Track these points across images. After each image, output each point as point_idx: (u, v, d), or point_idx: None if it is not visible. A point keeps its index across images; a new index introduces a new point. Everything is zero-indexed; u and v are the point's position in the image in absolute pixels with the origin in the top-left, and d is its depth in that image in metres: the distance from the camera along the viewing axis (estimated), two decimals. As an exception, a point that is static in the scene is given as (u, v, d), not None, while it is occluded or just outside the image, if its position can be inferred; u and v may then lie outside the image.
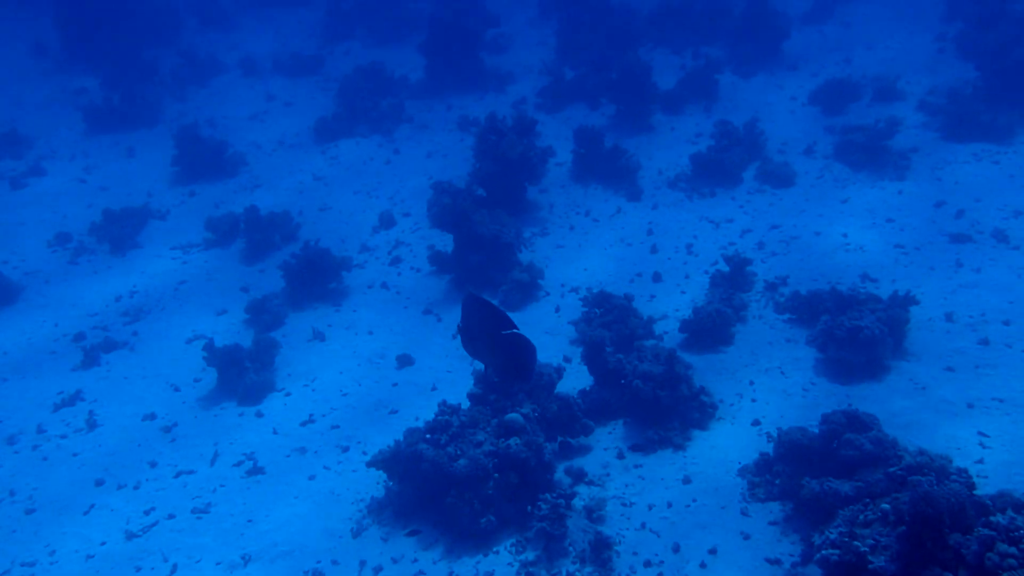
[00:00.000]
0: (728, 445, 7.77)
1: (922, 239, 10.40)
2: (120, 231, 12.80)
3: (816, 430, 7.09)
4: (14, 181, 14.97)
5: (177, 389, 9.62)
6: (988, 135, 12.33)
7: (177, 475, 8.24)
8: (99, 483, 8.18)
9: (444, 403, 7.88)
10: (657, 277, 10.67)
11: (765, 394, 8.34)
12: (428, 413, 8.56)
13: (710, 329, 9.26)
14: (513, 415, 7.71)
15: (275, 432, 8.79)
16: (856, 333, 8.25)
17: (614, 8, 18.58)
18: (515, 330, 6.30)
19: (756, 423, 7.95)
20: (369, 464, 7.69)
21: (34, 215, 13.86)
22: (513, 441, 7.48)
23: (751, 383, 8.54)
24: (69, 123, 17.27)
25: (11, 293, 11.62)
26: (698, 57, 17.37)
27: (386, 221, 12.81)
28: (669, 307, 10.07)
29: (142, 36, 21.27)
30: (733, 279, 10.04)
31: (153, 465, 8.40)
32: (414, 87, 17.66)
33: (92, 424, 9.08)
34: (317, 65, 19.62)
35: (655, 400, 8.03)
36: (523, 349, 6.48)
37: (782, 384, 8.44)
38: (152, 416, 9.17)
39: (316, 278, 11.11)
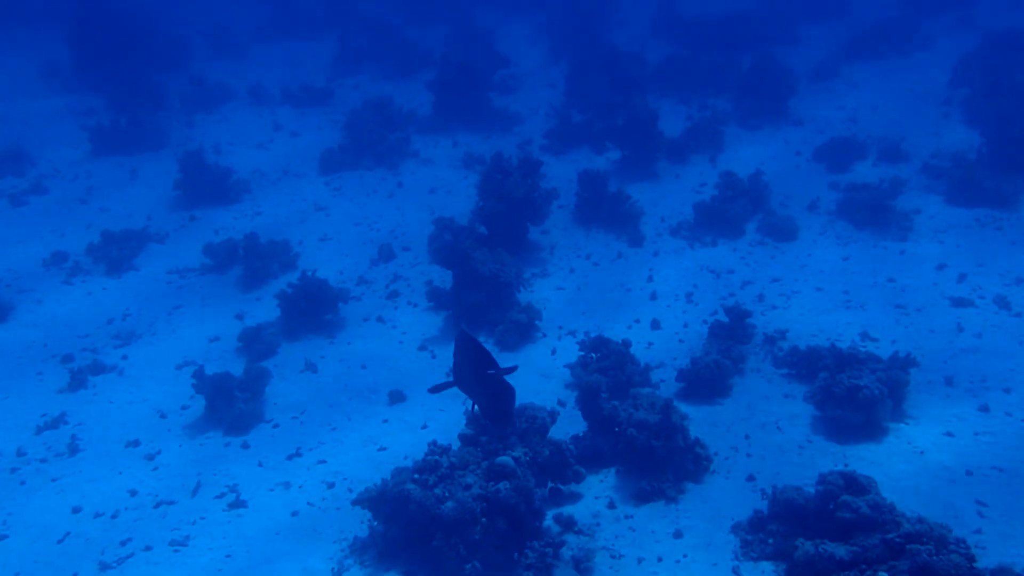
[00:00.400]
0: (722, 500, 7.60)
1: (923, 301, 10.35)
2: (118, 253, 12.72)
3: (812, 490, 6.94)
4: (14, 198, 14.94)
5: (163, 416, 9.45)
6: (992, 201, 12.37)
7: (157, 505, 8.03)
8: (76, 510, 7.96)
9: (434, 443, 7.71)
10: (656, 324, 10.58)
11: (761, 449, 8.19)
12: (418, 451, 8.41)
13: (708, 380, 9.14)
14: (504, 458, 7.54)
15: (260, 465, 8.60)
16: (855, 392, 8.15)
17: (623, 56, 18.83)
18: (499, 371, 6.23)
19: (751, 478, 7.79)
20: (354, 502, 7.50)
21: (32, 233, 13.79)
22: (503, 485, 7.31)
23: (747, 437, 8.39)
24: (74, 143, 17.30)
25: (3, 311, 11.49)
26: (705, 108, 17.56)
27: (385, 254, 12.76)
28: (667, 355, 9.97)
29: (154, 60, 21.54)
30: (732, 330, 9.95)
31: (133, 494, 8.19)
32: (421, 122, 17.76)
33: (74, 449, 8.88)
34: (326, 97, 19.77)
35: (649, 450, 7.89)
36: (501, 395, 6.38)
37: (779, 440, 8.30)
38: (136, 443, 8.98)
39: (312, 309, 11.01)
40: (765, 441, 8.29)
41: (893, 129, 15.43)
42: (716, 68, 18.67)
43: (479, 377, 6.23)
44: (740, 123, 16.59)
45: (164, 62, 22.03)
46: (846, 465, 7.73)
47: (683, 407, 8.46)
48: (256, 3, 28.91)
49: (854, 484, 6.61)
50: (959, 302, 10.19)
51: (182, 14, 26.79)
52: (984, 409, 8.24)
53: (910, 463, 7.65)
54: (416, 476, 7.50)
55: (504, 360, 9.94)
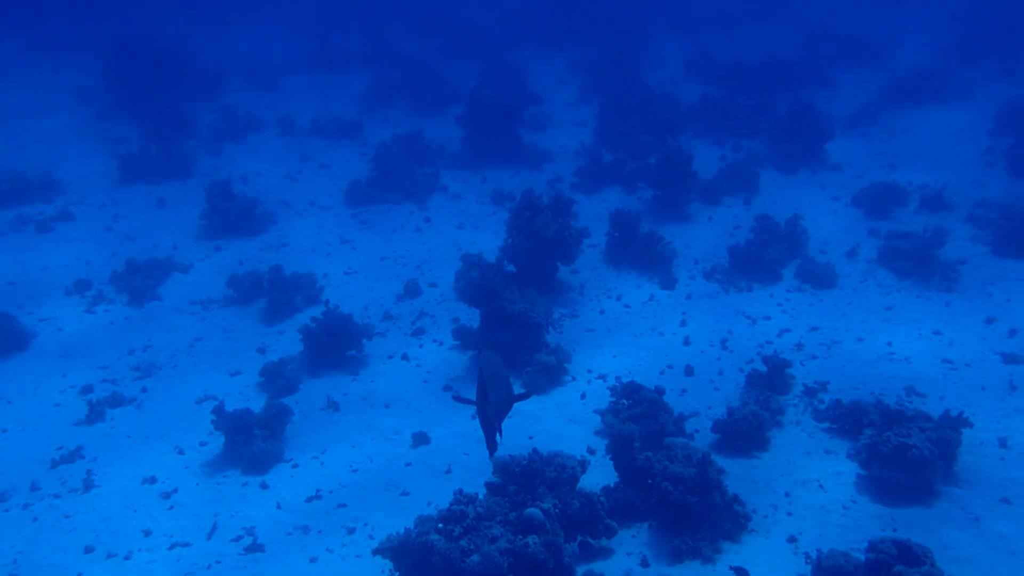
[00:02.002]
0: (761, 562, 7.18)
1: (972, 356, 9.91)
2: (141, 282, 12.59)
3: (861, 556, 6.51)
4: (41, 225, 14.91)
5: (181, 452, 9.19)
6: (1042, 253, 11.97)
7: (172, 547, 7.74)
8: (88, 550, 7.69)
9: (460, 491, 7.38)
10: (689, 371, 10.22)
11: (802, 509, 7.77)
12: (441, 498, 8.12)
13: (745, 432, 8.74)
14: (533, 510, 7.20)
15: (279, 507, 8.29)
16: (904, 451, 7.73)
17: (656, 95, 18.68)
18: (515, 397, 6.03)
19: (792, 540, 7.37)
20: (375, 551, 7.17)
21: (56, 260, 13.71)
22: (531, 540, 6.96)
23: (787, 495, 7.98)
24: (104, 171, 17.34)
25: (24, 339, 11.35)
26: (739, 149, 17.32)
27: (411, 290, 12.52)
28: (701, 404, 9.59)
29: (186, 91, 21.70)
30: (771, 380, 9.57)
31: (147, 534, 7.91)
32: (450, 157, 17.66)
33: (88, 485, 8.63)
34: (355, 130, 19.76)
35: (685, 506, 7.49)
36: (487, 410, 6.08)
37: (820, 499, 7.87)
38: (152, 480, 8.71)
39: (336, 344, 10.77)
40: (807, 500, 7.87)
41: (934, 176, 15.08)
42: (751, 110, 18.46)
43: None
44: (776, 166, 16.30)
45: (196, 92, 22.22)
46: (895, 530, 7.30)
47: (719, 460, 8.05)
48: (292, 37, 29.30)
49: (908, 554, 6.18)
50: (1011, 358, 9.75)
51: (215, 46, 27.11)
52: (1043, 474, 7.78)
53: (964, 531, 7.19)
54: (440, 526, 7.17)
55: (535, 403, 9.62)
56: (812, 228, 13.25)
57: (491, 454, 6.17)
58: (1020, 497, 7.51)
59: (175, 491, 8.56)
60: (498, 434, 6.17)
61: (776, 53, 22.40)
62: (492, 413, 5.99)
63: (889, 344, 10.35)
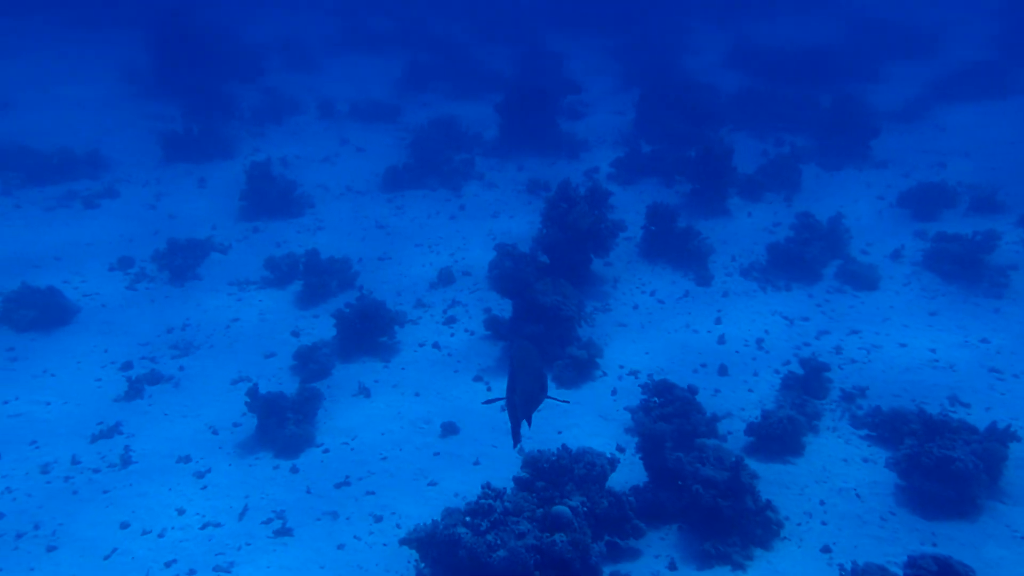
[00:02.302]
0: (793, 571, 7.07)
1: (1022, 366, 9.61)
2: (182, 261, 12.72)
3: (899, 571, 6.36)
4: (88, 201, 15.13)
5: (215, 432, 9.29)
6: (1097, 261, 11.56)
7: (204, 526, 7.83)
8: (124, 526, 7.81)
9: (488, 485, 7.37)
10: (723, 370, 10.07)
11: (837, 518, 7.62)
12: (469, 489, 8.12)
13: (779, 436, 8.59)
14: (561, 508, 7.16)
15: (308, 491, 8.35)
16: (946, 464, 7.53)
17: (697, 87, 18.37)
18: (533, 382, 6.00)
19: (826, 550, 7.23)
20: (402, 541, 7.18)
21: (102, 237, 13.91)
22: (559, 537, 6.93)
23: (822, 503, 7.83)
24: (148, 149, 17.53)
25: (68, 314, 11.54)
26: (781, 144, 16.99)
27: (445, 278, 12.50)
28: (734, 405, 9.45)
29: (228, 71, 21.85)
30: (807, 384, 9.39)
31: (181, 512, 8.01)
32: (487, 144, 17.57)
33: (126, 460, 8.77)
34: (394, 113, 19.76)
35: (716, 510, 7.39)
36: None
37: (857, 509, 7.71)
38: (187, 459, 8.82)
39: (368, 330, 10.79)
40: (843, 509, 7.71)
41: (986, 177, 14.62)
42: (794, 103, 18.07)
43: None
44: (819, 162, 15.95)
45: (238, 73, 22.36)
46: (934, 544, 7.14)
47: (751, 463, 7.93)
48: (329, 18, 29.35)
49: (949, 571, 6.03)
50: (1062, 369, 9.46)
51: (257, 28, 27.24)
52: (1091, 493, 7.53)
53: (1008, 549, 7.00)
54: (467, 519, 7.17)
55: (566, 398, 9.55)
56: (855, 227, 12.96)
57: (515, 445, 6.15)
58: (1066, 516, 7.28)
59: (208, 471, 8.66)
60: (526, 425, 6.14)
61: (820, 43, 21.92)
62: (518, 404, 5.96)
63: (933, 351, 10.10)
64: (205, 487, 8.43)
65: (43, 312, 11.37)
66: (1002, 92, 19.55)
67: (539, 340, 10.34)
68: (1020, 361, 9.75)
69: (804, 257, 12.01)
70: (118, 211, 14.96)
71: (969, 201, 13.81)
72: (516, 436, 6.06)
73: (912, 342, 10.31)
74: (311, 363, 10.40)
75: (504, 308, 11.21)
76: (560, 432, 9.06)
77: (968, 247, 11.70)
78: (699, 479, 7.53)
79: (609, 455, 8.01)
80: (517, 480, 7.51)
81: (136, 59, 22.71)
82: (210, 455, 8.93)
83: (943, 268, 11.75)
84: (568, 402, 8.89)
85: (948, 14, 25.54)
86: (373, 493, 8.31)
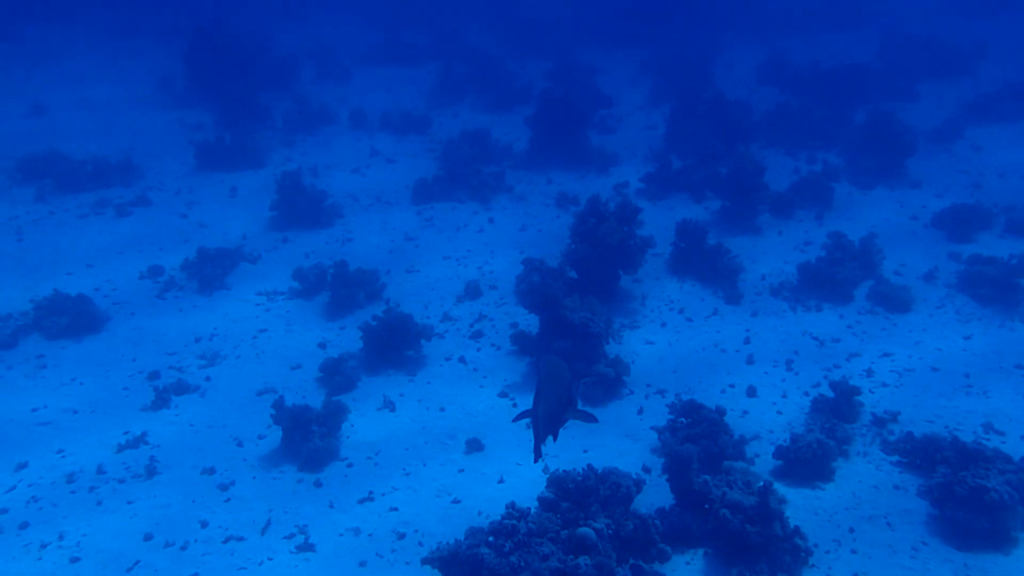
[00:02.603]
0: (821, 601, 6.92)
1: (1058, 393, 9.39)
2: (211, 271, 12.84)
3: (930, 606, 6.20)
4: (120, 208, 15.36)
5: (240, 444, 9.34)
6: None
7: (226, 540, 7.86)
8: (147, 538, 7.86)
9: (512, 505, 7.32)
10: (751, 391, 9.93)
11: (867, 547, 7.46)
12: (493, 508, 8.08)
13: (809, 460, 8.44)
14: (586, 529, 7.09)
15: (331, 506, 8.35)
16: (980, 494, 7.34)
17: (728, 102, 18.23)
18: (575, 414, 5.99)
19: (855, 580, 7.07)
20: (425, 560, 7.17)
21: (133, 245, 14.10)
22: (583, 560, 6.86)
23: (851, 530, 7.67)
24: (181, 157, 17.78)
25: (98, 322, 11.70)
26: (813, 161, 16.81)
27: (472, 291, 12.49)
28: (762, 427, 9.31)
29: (262, 80, 22.09)
30: (837, 407, 9.22)
31: (204, 525, 8.05)
32: (516, 157, 17.57)
33: (151, 471, 8.83)
34: (424, 125, 19.84)
35: (743, 535, 7.27)
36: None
37: (887, 538, 7.55)
38: (211, 471, 8.87)
39: (395, 344, 10.80)
40: (873, 537, 7.55)
41: (1022, 198, 14.33)
42: (827, 121, 17.86)
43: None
44: (851, 180, 15.74)
45: (271, 82, 22.60)
46: (967, 577, 6.95)
47: (780, 488, 7.80)
48: (363, 29, 29.62)
49: (983, 609, 5.85)
50: (1099, 399, 9.20)
51: (290, 37, 27.55)
52: None
53: (1043, 584, 6.80)
54: (491, 539, 7.12)
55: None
56: (888, 248, 12.73)
57: (536, 459, 6.12)
58: (1106, 552, 7.06)
59: (232, 483, 8.70)
60: (551, 439, 6.10)
61: (855, 60, 21.63)
62: (541, 419, 5.94)
63: (967, 376, 9.88)
64: (229, 500, 8.47)
65: (74, 319, 11.54)
66: (1040, 112, 19.18)
67: (566, 356, 10.24)
68: (1058, 389, 9.51)
69: (835, 277, 11.83)
70: (150, 219, 15.16)
71: (1004, 223, 13.54)
72: (537, 452, 6.03)
73: (945, 366, 10.10)
74: (337, 375, 10.43)
75: (531, 323, 11.17)
76: (586, 451, 8.99)
77: (1004, 270, 11.46)
78: (726, 503, 7.41)
79: (635, 476, 7.93)
80: (542, 500, 7.46)
81: (171, 68, 23.06)
82: (234, 467, 8.97)
83: (978, 291, 11.51)
84: (596, 419, 8.82)
85: (988, 33, 25.12)
86: (396, 509, 8.29)
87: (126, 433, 9.45)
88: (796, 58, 23.29)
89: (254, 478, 8.81)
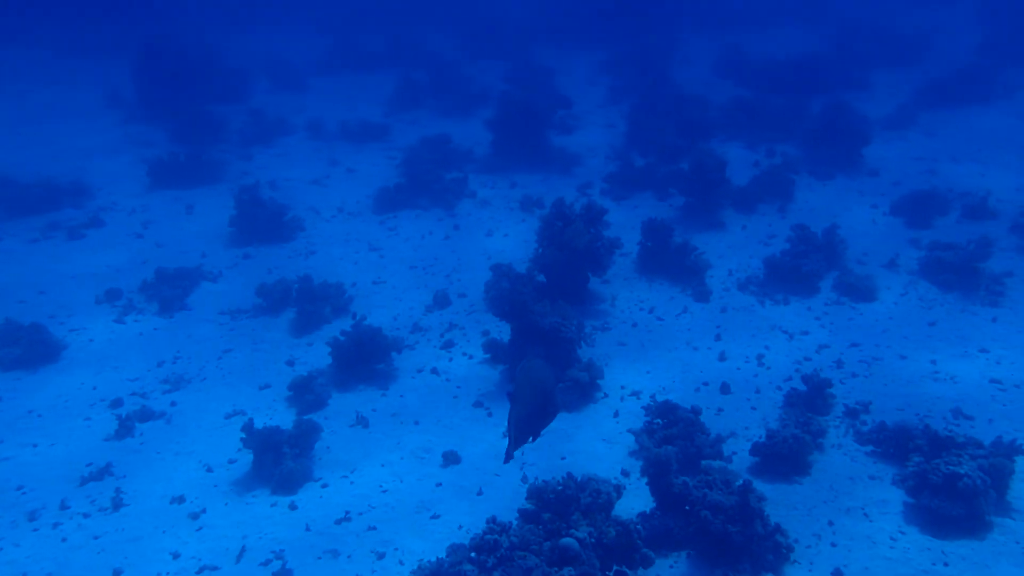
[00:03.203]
0: (805, 597, 6.93)
1: (1021, 376, 9.54)
2: (171, 291, 12.53)
3: (913, 597, 6.24)
4: (72, 231, 14.94)
5: (210, 470, 9.09)
6: (1092, 266, 11.53)
7: (200, 570, 7.63)
8: (117, 573, 7.58)
9: (494, 519, 7.20)
10: (725, 388, 9.95)
11: (846, 539, 7.49)
12: (473, 521, 7.98)
13: (785, 456, 8.47)
14: (568, 540, 7.01)
15: (308, 529, 8.16)
16: (954, 481, 7.42)
17: (687, 98, 18.34)
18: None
19: (837, 574, 7.09)
20: (406, 581, 7.02)
21: (87, 268, 13.70)
22: (567, 572, 6.78)
23: (830, 523, 7.70)
24: (134, 175, 17.37)
25: (54, 350, 11.32)
26: (773, 154, 16.96)
27: (441, 300, 12.36)
28: (738, 424, 9.33)
29: (214, 93, 21.71)
30: (811, 401, 9.28)
31: (176, 556, 7.81)
32: (478, 162, 17.47)
33: (118, 504, 8.55)
34: (383, 132, 19.65)
35: (725, 536, 7.25)
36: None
37: (866, 529, 7.59)
38: (181, 499, 8.62)
39: (365, 358, 10.63)
40: (852, 529, 7.59)
41: (976, 182, 14.63)
42: (784, 113, 18.06)
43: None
44: (811, 171, 15.92)
45: (224, 95, 22.24)
46: (946, 564, 7.02)
47: (758, 484, 7.80)
48: (316, 36, 29.28)
49: (966, 598, 5.90)
50: (1063, 379, 9.38)
51: (242, 49, 27.14)
52: (1102, 507, 7.43)
53: (1021, 567, 6.88)
54: (473, 556, 7.01)
55: (567, 421, 9.42)
56: (850, 237, 12.89)
57: (505, 460, 6.05)
58: (1078, 532, 7.18)
59: (203, 511, 8.46)
60: (528, 441, 6.01)
61: (809, 51, 21.95)
62: (513, 420, 5.86)
63: (933, 362, 10.01)
64: (200, 528, 8.23)
65: (28, 349, 11.16)
66: (987, 97, 19.64)
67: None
68: (1020, 371, 9.67)
69: (801, 270, 11.93)
70: (104, 241, 14.77)
71: (961, 208, 13.79)
72: (508, 454, 5.94)
73: (912, 354, 10.23)
74: (307, 394, 10.22)
75: (502, 330, 11.08)
76: (564, 458, 8.92)
77: (963, 256, 11.65)
78: (707, 505, 7.39)
79: (615, 481, 7.88)
80: (522, 512, 7.36)
81: (120, 84, 22.57)
82: (205, 494, 8.73)
83: (939, 277, 11.69)
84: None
85: (934, 20, 25.68)
86: (375, 528, 8.13)
87: (89, 465, 9.13)
88: (752, 51, 23.54)
89: (226, 504, 8.58)
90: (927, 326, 10.80)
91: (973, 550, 7.15)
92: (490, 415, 9.82)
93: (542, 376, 6.16)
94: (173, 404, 10.30)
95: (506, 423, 5.98)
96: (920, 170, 15.77)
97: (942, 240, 12.24)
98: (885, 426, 8.66)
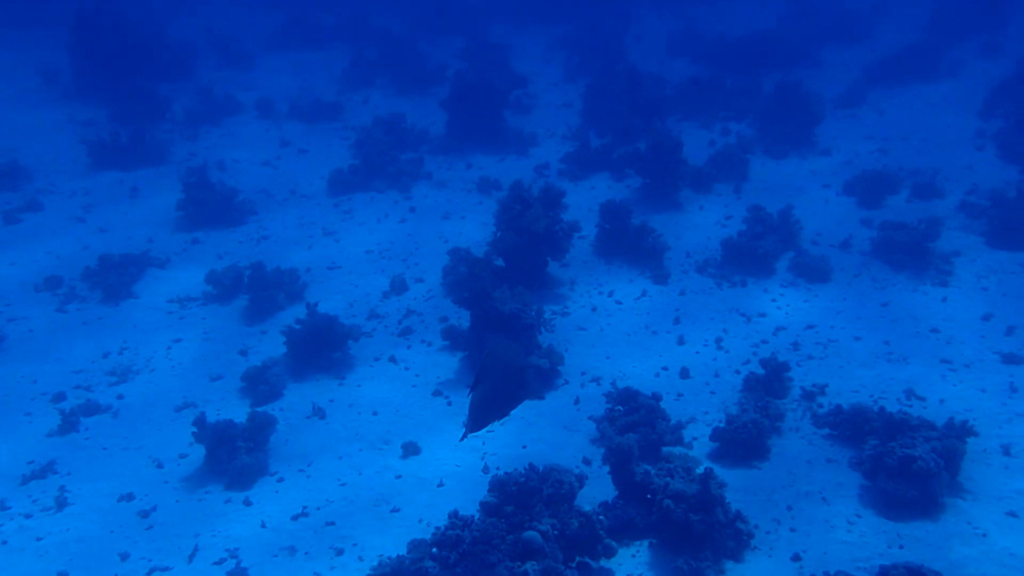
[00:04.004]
0: (765, 582, 6.99)
1: (971, 356, 9.74)
2: (116, 279, 12.08)
3: (870, 579, 6.33)
4: (8, 215, 14.29)
5: (160, 466, 8.82)
6: (1037, 245, 11.79)
7: (150, 572, 7.40)
8: (62, 577, 7.34)
9: (455, 514, 7.12)
10: (684, 373, 9.96)
11: (805, 524, 7.57)
12: (434, 514, 7.88)
13: (745, 441, 8.52)
14: (531, 533, 6.98)
15: (263, 526, 7.97)
16: (909, 463, 7.54)
17: (642, 76, 18.24)
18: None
19: (797, 558, 7.17)
20: (366, 577, 6.89)
21: (25, 255, 13.14)
22: (530, 566, 6.77)
23: (789, 508, 7.77)
24: (73, 156, 16.67)
25: (-9, 342, 10.87)
26: (727, 133, 17.00)
27: (398, 286, 12.14)
28: (697, 409, 9.35)
29: (157, 70, 20.88)
30: (768, 384, 9.34)
31: (124, 557, 7.56)
32: (434, 142, 17.18)
33: (62, 503, 8.24)
34: (335, 112, 19.17)
35: (687, 524, 7.27)
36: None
37: (824, 513, 7.68)
38: (130, 496, 8.34)
39: (321, 347, 10.39)
40: (810, 514, 7.67)
41: (925, 161, 14.84)
42: (738, 91, 18.09)
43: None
44: (765, 150, 15.99)
45: (168, 72, 21.41)
46: (901, 547, 7.14)
47: (718, 470, 7.86)
48: (264, 12, 28.42)
49: (922, 582, 6.00)
50: (1010, 358, 9.58)
51: (187, 22, 26.21)
52: (1049, 486, 7.63)
53: (972, 547, 7.03)
54: (435, 551, 6.93)
55: (528, 409, 9.35)
56: (804, 218, 12.96)
57: (461, 438, 5.98)
58: (1027, 512, 7.36)
59: (154, 509, 8.21)
60: (496, 422, 5.91)
61: (761, 28, 21.98)
62: (477, 403, 5.74)
63: (887, 343, 10.15)
64: (151, 527, 7.98)
65: (-35, 342, 10.69)
66: (934, 75, 19.94)
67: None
68: (969, 350, 9.86)
69: (757, 251, 11.98)
70: (42, 226, 14.16)
71: (911, 187, 13.97)
72: (466, 433, 5.83)
73: (866, 335, 10.36)
74: (261, 384, 9.97)
75: (461, 316, 10.93)
76: (525, 447, 8.85)
77: (914, 236, 11.81)
78: (669, 494, 7.39)
79: (577, 471, 7.86)
80: (484, 505, 7.28)
81: (56, 61, 21.56)
82: (155, 491, 8.47)
83: (892, 258, 11.84)
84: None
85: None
86: (333, 524, 7.97)
87: (31, 463, 8.79)
88: (705, 28, 23.51)
89: (177, 501, 8.33)
90: (880, 307, 10.95)
91: (927, 532, 7.28)
92: (450, 404, 9.69)
93: (512, 357, 6.03)
94: (120, 397, 9.96)
95: (468, 409, 5.85)
96: (871, 149, 15.95)
97: (893, 220, 12.39)
98: (841, 409, 8.76)
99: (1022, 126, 14.54)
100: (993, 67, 19.76)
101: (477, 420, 5.79)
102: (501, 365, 5.84)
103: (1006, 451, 8.14)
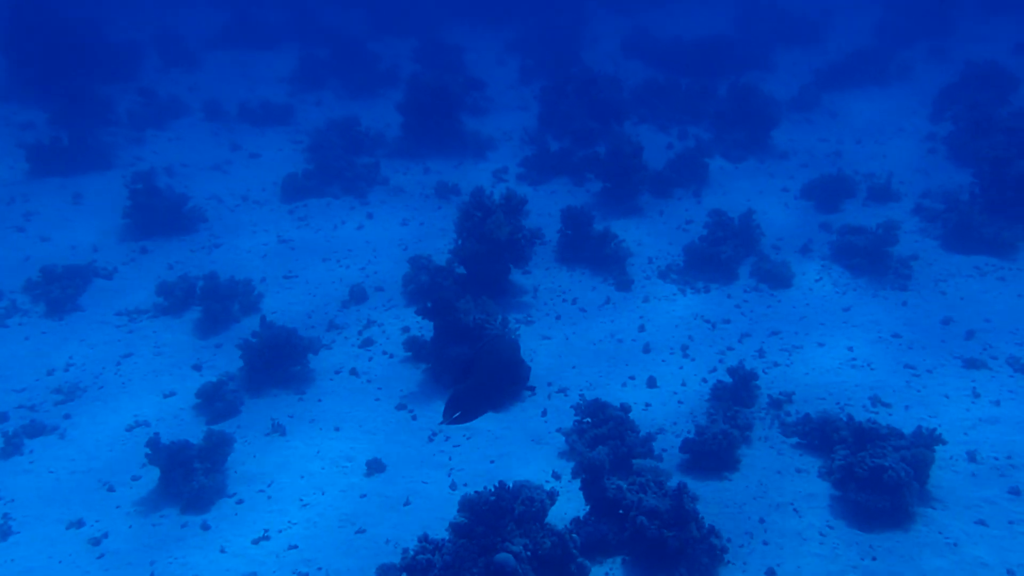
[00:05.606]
0: (740, 597, 6.92)
1: (934, 361, 9.85)
2: (60, 291, 11.53)
3: (847, 595, 6.29)
4: (-59, 226, 13.59)
5: (112, 489, 8.39)
6: (991, 248, 12.02)
7: (103, 606, 7.02)
8: (8, 616, 6.92)
9: (426, 537, 6.91)
10: (652, 382, 9.88)
11: (778, 536, 7.53)
12: (401, 534, 7.65)
13: (715, 452, 8.46)
14: (504, 556, 6.78)
15: (223, 551, 7.63)
16: (879, 474, 7.55)
17: (598, 79, 18.18)
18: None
19: (771, 573, 7.11)
20: (334, 606, 6.63)
21: (-39, 267, 12.49)
22: (504, 591, 6.55)
23: (761, 521, 7.73)
24: (9, 162, 15.88)
25: (-75, 362, 10.26)
26: (685, 136, 17.05)
27: (357, 295, 11.83)
28: (666, 419, 9.27)
29: (99, 70, 20.09)
30: (736, 393, 9.31)
31: (75, 592, 7.17)
32: (390, 145, 16.86)
33: (6, 532, 7.77)
34: (287, 115, 18.71)
35: (661, 541, 7.16)
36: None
37: (796, 525, 7.65)
38: (79, 523, 7.92)
39: (279, 360, 10.04)
40: (782, 526, 7.63)
41: (879, 164, 15.09)
42: (694, 94, 18.17)
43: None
44: (723, 154, 16.07)
45: (110, 72, 20.62)
46: (874, 559, 7.14)
47: (689, 482, 7.76)
48: (207, 9, 27.66)
49: (900, 598, 5.98)
50: (971, 363, 9.72)
51: (129, 20, 25.34)
52: (1015, 492, 7.71)
53: (944, 557, 7.07)
54: (405, 576, 6.70)
55: (494, 422, 9.16)
56: (764, 222, 13.04)
57: (441, 421, 5.86)
58: (995, 519, 7.42)
59: (105, 536, 7.79)
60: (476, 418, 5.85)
61: (714, 31, 22.15)
62: (463, 393, 5.61)
63: (850, 349, 10.22)
64: (102, 556, 7.58)
65: None
66: (884, 78, 20.34)
67: (463, 361, 9.88)
68: (930, 356, 9.99)
69: (719, 257, 11.99)
70: (-20, 235, 13.48)
71: (867, 190, 14.18)
72: (447, 417, 5.70)
73: (830, 340, 10.42)
74: (217, 401, 9.58)
75: (424, 326, 10.68)
76: (493, 462, 8.65)
77: (872, 239, 11.95)
78: (643, 510, 7.28)
79: (548, 487, 7.68)
80: (454, 527, 7.06)
81: (-9, 59, 20.62)
82: (106, 516, 8.05)
83: (852, 262, 11.97)
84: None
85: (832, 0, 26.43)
86: (296, 547, 7.67)
87: (-28, 492, 8.30)
88: (659, 30, 23.60)
89: (130, 527, 7.93)
90: (842, 311, 11.04)
91: (899, 542, 7.30)
92: (414, 418, 9.44)
93: (507, 350, 5.95)
94: (67, 417, 9.48)
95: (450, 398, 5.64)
96: (826, 151, 16.15)
97: (852, 224, 12.53)
98: (810, 418, 8.76)
99: (973, 132, 14.85)
100: (940, 71, 20.23)
101: (469, 410, 5.69)
102: (496, 358, 5.79)
103: (972, 458, 8.22)
